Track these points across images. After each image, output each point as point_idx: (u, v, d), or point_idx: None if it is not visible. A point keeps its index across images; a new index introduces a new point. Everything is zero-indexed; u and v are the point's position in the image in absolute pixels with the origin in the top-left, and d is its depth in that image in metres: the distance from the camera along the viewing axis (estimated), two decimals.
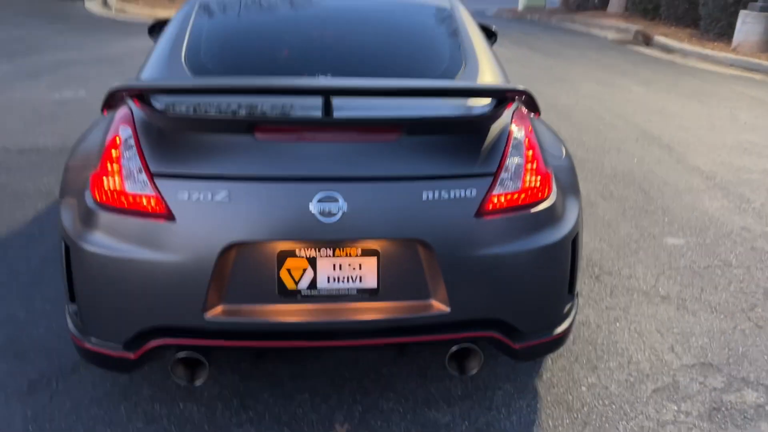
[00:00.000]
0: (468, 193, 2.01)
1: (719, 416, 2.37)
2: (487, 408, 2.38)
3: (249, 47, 2.64)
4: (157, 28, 3.76)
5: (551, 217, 2.14)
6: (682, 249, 3.74)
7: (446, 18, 2.84)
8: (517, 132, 2.15)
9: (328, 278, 2.00)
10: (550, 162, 2.28)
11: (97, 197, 2.01)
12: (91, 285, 2.03)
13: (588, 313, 3.02)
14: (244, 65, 2.49)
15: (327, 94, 1.91)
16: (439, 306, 2.03)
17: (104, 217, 1.99)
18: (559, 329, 2.23)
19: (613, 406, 2.41)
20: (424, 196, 1.97)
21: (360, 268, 2.01)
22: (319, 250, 1.98)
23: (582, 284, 3.27)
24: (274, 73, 2.40)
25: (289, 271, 1.98)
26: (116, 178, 1.99)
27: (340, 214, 1.92)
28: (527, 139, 2.16)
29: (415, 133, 2.03)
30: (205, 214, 1.91)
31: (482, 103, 2.12)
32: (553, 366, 2.63)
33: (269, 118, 2.03)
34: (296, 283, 1.99)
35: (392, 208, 1.95)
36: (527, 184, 2.10)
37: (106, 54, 9.16)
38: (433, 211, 1.97)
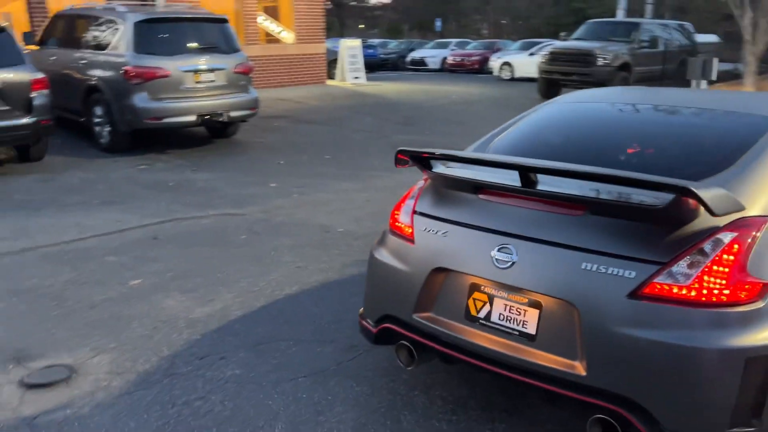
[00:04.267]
0: (626, 273, 2.19)
1: None
2: None
3: (540, 142, 3.18)
4: None
5: (725, 323, 2.09)
6: None
7: (755, 130, 2.76)
8: (723, 235, 2.18)
9: (500, 315, 2.48)
10: None
11: (390, 223, 2.99)
12: (370, 279, 3.01)
13: None
14: (522, 152, 3.05)
15: (523, 170, 2.42)
16: (578, 367, 2.25)
17: (389, 237, 2.95)
18: None
19: None
20: (583, 266, 2.26)
21: (524, 314, 2.41)
22: (497, 291, 2.48)
23: None
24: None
25: (474, 300, 2.55)
26: (400, 212, 2.93)
27: (510, 263, 2.40)
28: (734, 246, 2.16)
29: (598, 214, 2.32)
30: (430, 243, 2.67)
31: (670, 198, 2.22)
32: None
33: (491, 184, 2.62)
34: (477, 311, 2.54)
35: (551, 269, 2.32)
36: (705, 284, 2.13)
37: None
38: (586, 280, 2.24)
